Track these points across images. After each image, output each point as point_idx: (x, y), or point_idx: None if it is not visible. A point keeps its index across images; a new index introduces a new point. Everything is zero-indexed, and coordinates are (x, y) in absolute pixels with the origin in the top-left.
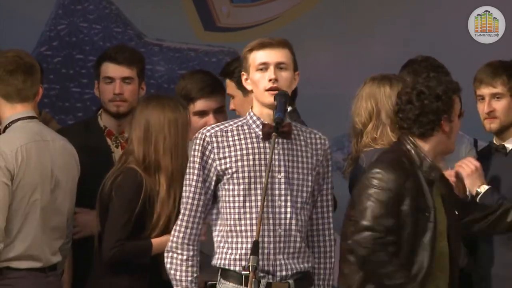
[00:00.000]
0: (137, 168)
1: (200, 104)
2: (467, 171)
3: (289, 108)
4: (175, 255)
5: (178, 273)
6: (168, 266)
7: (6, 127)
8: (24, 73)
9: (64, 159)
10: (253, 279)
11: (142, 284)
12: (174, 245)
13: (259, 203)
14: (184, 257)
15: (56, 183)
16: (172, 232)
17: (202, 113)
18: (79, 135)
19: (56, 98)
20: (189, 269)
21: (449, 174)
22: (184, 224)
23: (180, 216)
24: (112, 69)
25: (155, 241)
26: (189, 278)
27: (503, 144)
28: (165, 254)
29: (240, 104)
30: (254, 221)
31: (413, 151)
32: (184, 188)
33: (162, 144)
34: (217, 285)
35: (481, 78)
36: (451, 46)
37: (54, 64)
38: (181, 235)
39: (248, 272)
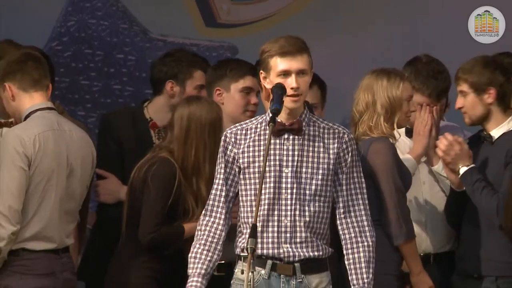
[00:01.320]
0: (171, 159)
1: (249, 81)
2: (442, 148)
3: None
4: (197, 239)
5: (193, 255)
6: (191, 247)
7: (26, 117)
8: (34, 62)
9: (80, 149)
10: (252, 260)
11: (163, 265)
12: (199, 229)
13: (267, 196)
14: (203, 242)
15: (71, 170)
16: (200, 219)
17: (249, 90)
18: (126, 123)
19: (66, 90)
20: (204, 253)
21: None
22: (208, 213)
23: (205, 206)
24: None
25: (187, 226)
26: (201, 261)
27: (489, 133)
28: None
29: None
30: (262, 213)
31: None
32: (214, 181)
33: (203, 149)
34: (236, 268)
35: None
36: (451, 46)
37: (64, 58)
38: (202, 221)
39: (246, 254)
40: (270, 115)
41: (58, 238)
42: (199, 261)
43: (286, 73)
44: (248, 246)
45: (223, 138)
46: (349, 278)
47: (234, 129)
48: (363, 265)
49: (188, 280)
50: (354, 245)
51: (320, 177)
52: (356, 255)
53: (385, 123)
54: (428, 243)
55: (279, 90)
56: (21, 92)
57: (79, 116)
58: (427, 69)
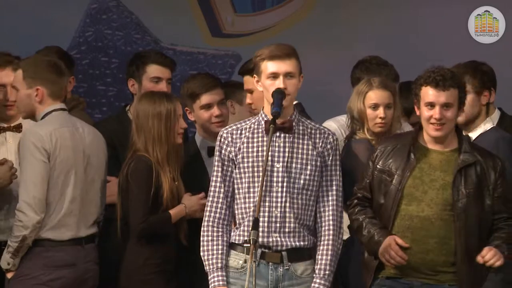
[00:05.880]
0: (145, 153)
1: (205, 98)
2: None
3: (295, 102)
4: (204, 237)
5: (205, 253)
6: (201, 246)
7: (43, 117)
8: (65, 75)
9: (93, 142)
10: (253, 250)
11: (164, 251)
12: (204, 228)
13: (259, 189)
14: (210, 238)
15: (87, 162)
16: (204, 217)
17: (207, 106)
18: (114, 128)
19: (84, 95)
20: (215, 247)
21: None
22: (208, 209)
23: (207, 203)
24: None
25: (172, 211)
26: (214, 255)
27: (467, 134)
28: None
29: (260, 98)
30: (254, 204)
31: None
32: (211, 178)
33: (149, 135)
34: (229, 256)
35: None
36: (451, 46)
37: (82, 66)
38: (206, 218)
39: (249, 245)
40: (265, 115)
41: (81, 225)
42: (212, 257)
43: (275, 75)
44: (251, 237)
45: (218, 138)
46: (315, 266)
47: (230, 129)
48: (329, 257)
49: (209, 277)
50: (323, 238)
51: (308, 172)
52: (321, 247)
53: (360, 130)
54: None
55: (279, 94)
56: (49, 99)
57: (96, 118)
58: (375, 62)
